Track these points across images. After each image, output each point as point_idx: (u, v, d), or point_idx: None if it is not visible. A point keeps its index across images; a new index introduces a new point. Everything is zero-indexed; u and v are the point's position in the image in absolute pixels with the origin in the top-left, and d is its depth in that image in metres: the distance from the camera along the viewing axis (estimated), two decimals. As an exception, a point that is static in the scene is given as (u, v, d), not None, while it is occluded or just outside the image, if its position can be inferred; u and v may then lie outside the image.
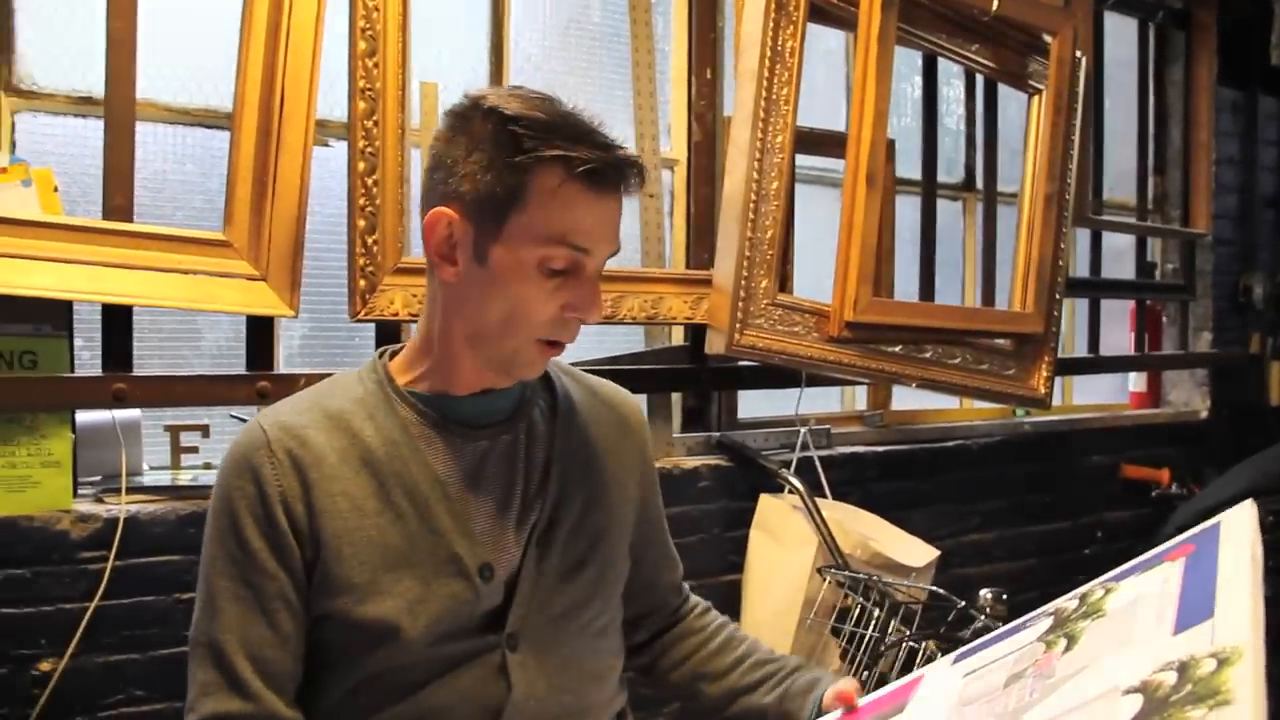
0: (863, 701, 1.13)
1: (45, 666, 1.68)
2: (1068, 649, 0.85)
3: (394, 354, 1.18)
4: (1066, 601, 0.95)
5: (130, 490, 1.79)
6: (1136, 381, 3.68)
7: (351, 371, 1.18)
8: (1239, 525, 0.84)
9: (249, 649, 1.04)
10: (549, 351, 1.08)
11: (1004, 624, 1.95)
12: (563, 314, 1.04)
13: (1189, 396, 3.70)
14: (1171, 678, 0.69)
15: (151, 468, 1.94)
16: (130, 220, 1.76)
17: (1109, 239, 3.37)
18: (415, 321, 1.97)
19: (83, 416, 1.83)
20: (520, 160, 1.00)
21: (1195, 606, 0.76)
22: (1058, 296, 2.73)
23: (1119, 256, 3.53)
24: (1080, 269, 3.34)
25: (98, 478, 1.85)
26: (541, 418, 1.19)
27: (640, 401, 1.37)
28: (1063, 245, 2.73)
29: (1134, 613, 0.82)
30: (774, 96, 2.23)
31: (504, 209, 1.02)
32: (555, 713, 1.13)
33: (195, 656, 1.06)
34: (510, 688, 1.10)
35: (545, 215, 1.01)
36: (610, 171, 1.02)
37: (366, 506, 1.07)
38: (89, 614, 1.69)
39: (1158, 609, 0.80)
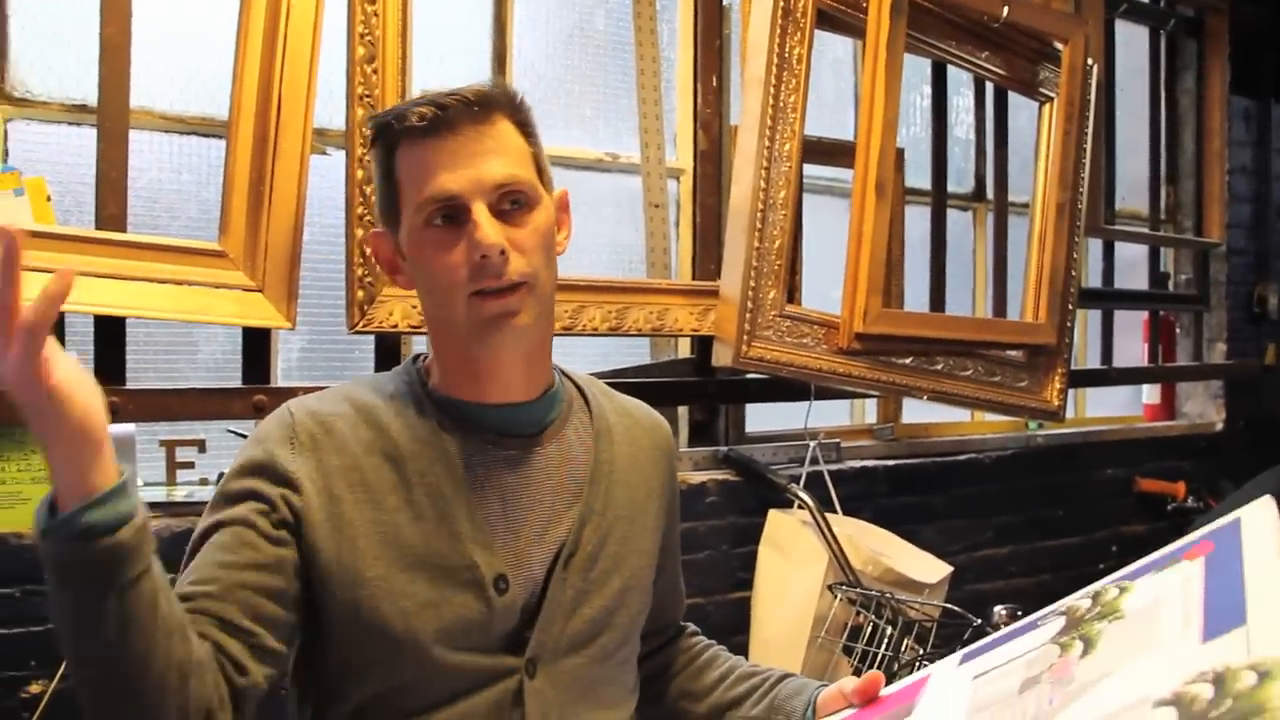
0: (851, 714, 1.07)
1: (35, 689, 1.64)
2: (1085, 653, 0.80)
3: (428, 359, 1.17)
4: (1078, 600, 0.89)
5: (123, 507, 1.75)
6: (1150, 393, 3.63)
7: (385, 373, 1.17)
8: (1260, 522, 0.79)
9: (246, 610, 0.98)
10: (490, 302, 1.04)
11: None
12: (471, 258, 1.03)
13: (1204, 408, 3.65)
14: (1207, 690, 0.64)
15: (146, 483, 1.90)
16: (124, 230, 1.73)
17: (1121, 249, 3.32)
18: (415, 334, 1.93)
19: (75, 431, 1.79)
20: (381, 156, 1.08)
21: (1224, 612, 0.71)
22: (1070, 307, 2.68)
23: (1132, 267, 3.49)
24: (1092, 279, 3.30)
25: (91, 494, 1.81)
26: (576, 438, 1.16)
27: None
28: (1075, 255, 2.69)
29: (1155, 615, 0.78)
30: (781, 104, 2.19)
31: (394, 201, 1.08)
32: None
33: None
34: (525, 718, 1.05)
35: (408, 183, 1.06)
36: (435, 115, 1.03)
37: (386, 501, 1.04)
38: (80, 634, 1.65)
39: (1182, 612, 0.75)
